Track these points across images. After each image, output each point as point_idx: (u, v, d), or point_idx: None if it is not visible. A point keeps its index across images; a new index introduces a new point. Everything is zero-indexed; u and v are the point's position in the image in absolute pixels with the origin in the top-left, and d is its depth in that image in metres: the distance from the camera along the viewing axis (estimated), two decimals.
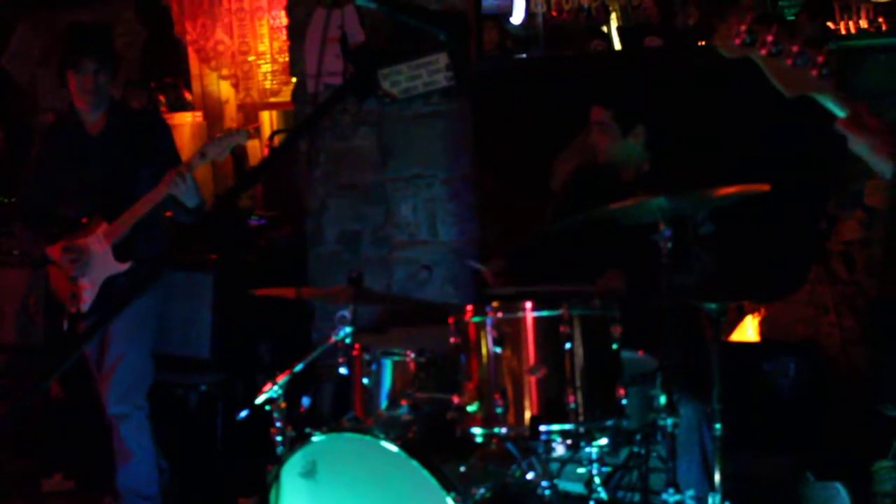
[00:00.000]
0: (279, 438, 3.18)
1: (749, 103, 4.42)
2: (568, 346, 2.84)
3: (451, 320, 3.00)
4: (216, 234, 5.49)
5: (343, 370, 3.39)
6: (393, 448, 2.88)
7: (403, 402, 3.21)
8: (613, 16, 7.05)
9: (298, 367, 3.27)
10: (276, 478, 3.04)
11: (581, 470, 3.05)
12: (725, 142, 4.66)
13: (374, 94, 4.81)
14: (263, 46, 7.73)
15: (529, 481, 2.93)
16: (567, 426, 2.82)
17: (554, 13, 6.99)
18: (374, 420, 3.20)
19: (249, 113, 8.11)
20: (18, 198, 4.70)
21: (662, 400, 3.05)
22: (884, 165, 2.29)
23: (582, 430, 2.84)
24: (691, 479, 3.34)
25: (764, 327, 5.05)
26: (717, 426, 3.23)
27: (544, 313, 2.87)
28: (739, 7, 6.48)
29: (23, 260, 5.66)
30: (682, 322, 3.22)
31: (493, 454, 3.03)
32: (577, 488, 3.09)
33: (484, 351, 2.91)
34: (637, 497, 3.19)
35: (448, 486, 2.80)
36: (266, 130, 8.04)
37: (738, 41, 2.24)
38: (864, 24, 5.50)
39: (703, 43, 6.28)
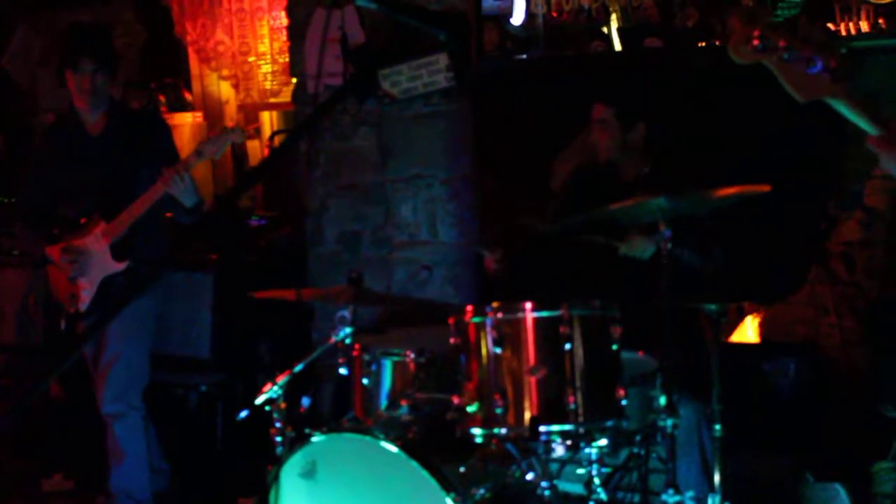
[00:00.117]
0: (279, 439, 3.18)
1: (749, 104, 4.43)
2: (568, 346, 2.83)
3: (451, 321, 3.00)
4: (216, 235, 5.49)
5: (343, 370, 3.39)
6: (393, 448, 2.88)
7: (403, 403, 3.21)
8: (613, 17, 7.04)
9: (298, 368, 3.27)
10: (276, 478, 3.04)
11: (581, 471, 3.05)
12: (725, 142, 4.66)
13: (375, 95, 4.81)
14: (264, 47, 7.72)
15: (529, 482, 2.92)
16: (567, 427, 2.82)
17: (554, 14, 6.98)
18: (373, 420, 3.20)
19: (249, 113, 8.11)
20: (18, 198, 4.70)
21: (662, 401, 3.05)
22: None
23: (582, 430, 2.84)
24: (691, 479, 3.34)
25: (764, 328, 5.05)
26: (717, 427, 3.24)
27: (544, 314, 2.87)
28: (740, 8, 6.49)
29: (23, 260, 5.67)
30: (682, 323, 3.22)
31: (492, 455, 3.03)
32: (577, 489, 3.09)
33: (484, 351, 2.91)
34: (637, 498, 3.19)
35: (448, 486, 2.80)
36: (266, 131, 8.04)
37: (750, 47, 2.24)
38: (864, 25, 5.49)
39: (703, 44, 6.28)
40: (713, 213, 3.53)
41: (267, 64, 7.72)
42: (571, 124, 4.10)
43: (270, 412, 3.21)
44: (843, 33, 5.43)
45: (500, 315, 2.90)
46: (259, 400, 3.22)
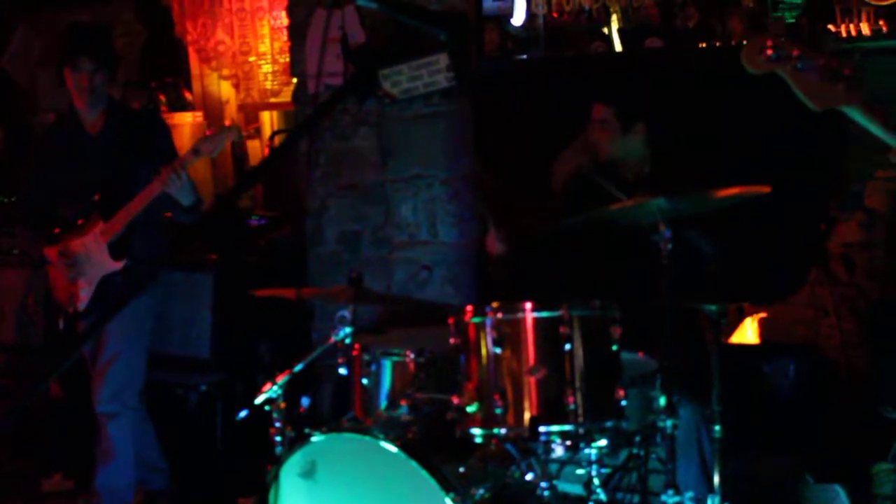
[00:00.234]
0: (279, 438, 3.18)
1: (749, 104, 4.42)
2: (568, 347, 2.83)
3: (450, 321, 3.00)
4: (216, 235, 5.49)
5: (343, 370, 3.39)
6: (392, 448, 2.88)
7: (403, 403, 3.21)
8: (614, 17, 7.04)
9: (298, 368, 3.27)
10: (276, 478, 3.04)
11: (580, 471, 3.04)
12: (725, 142, 4.66)
13: (375, 95, 4.81)
14: (264, 47, 7.72)
15: (529, 482, 2.93)
16: (566, 427, 2.82)
17: (555, 14, 6.98)
18: (373, 420, 3.20)
19: (250, 113, 8.11)
20: (18, 198, 4.70)
21: (662, 401, 3.05)
22: None
23: (581, 431, 2.84)
24: (690, 480, 3.34)
25: (764, 329, 5.05)
26: (717, 428, 3.23)
27: (544, 314, 2.87)
28: (740, 9, 6.49)
29: (22, 260, 5.67)
30: (682, 324, 3.22)
31: (492, 455, 3.03)
32: (577, 489, 3.09)
33: (484, 351, 2.91)
34: (636, 498, 3.19)
35: (447, 486, 2.80)
36: (266, 131, 8.03)
37: (764, 57, 2.24)
38: (864, 27, 5.49)
39: (704, 44, 6.28)
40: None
41: (267, 64, 7.72)
42: (572, 125, 4.10)
43: (270, 412, 3.21)
44: (844, 35, 5.43)
45: (499, 315, 2.90)
46: (259, 400, 3.22)
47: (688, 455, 3.36)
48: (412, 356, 3.30)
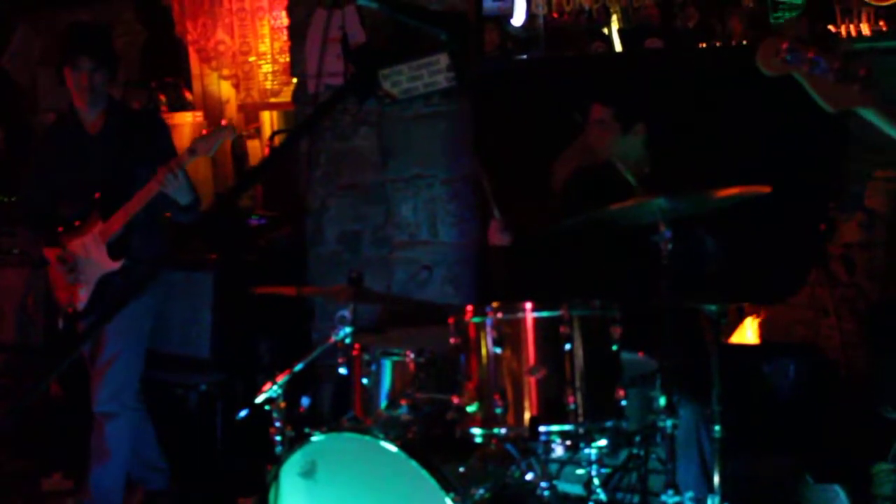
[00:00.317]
0: (279, 438, 3.18)
1: (749, 104, 4.43)
2: (568, 346, 2.83)
3: (450, 321, 3.00)
4: (216, 234, 5.49)
5: (343, 370, 3.39)
6: (392, 448, 2.88)
7: (403, 403, 3.21)
8: (614, 17, 7.06)
9: (298, 367, 3.27)
10: (276, 478, 3.04)
11: (580, 471, 3.04)
12: (725, 142, 4.66)
13: (375, 95, 4.81)
14: (264, 47, 7.73)
15: (528, 482, 2.92)
16: (566, 427, 2.82)
17: (555, 15, 6.99)
18: (373, 420, 3.20)
19: (250, 113, 8.12)
20: (18, 198, 4.70)
21: (662, 401, 3.05)
22: None
23: (581, 431, 2.84)
24: (690, 480, 3.34)
25: (764, 329, 5.05)
26: (717, 427, 3.23)
27: (544, 314, 2.87)
28: (740, 9, 6.50)
29: (22, 259, 5.67)
30: (682, 324, 3.22)
31: (492, 455, 3.03)
32: (577, 489, 3.09)
33: (484, 351, 2.91)
34: (636, 498, 3.19)
35: (447, 486, 2.80)
36: (266, 131, 8.04)
37: (779, 59, 2.24)
38: (865, 27, 5.50)
39: (704, 45, 6.29)
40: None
41: (267, 64, 7.73)
42: (572, 125, 4.10)
43: (270, 412, 3.21)
44: (844, 35, 5.43)
45: (500, 315, 2.90)
46: (259, 399, 3.22)
47: (688, 455, 3.36)
48: (412, 356, 3.30)
